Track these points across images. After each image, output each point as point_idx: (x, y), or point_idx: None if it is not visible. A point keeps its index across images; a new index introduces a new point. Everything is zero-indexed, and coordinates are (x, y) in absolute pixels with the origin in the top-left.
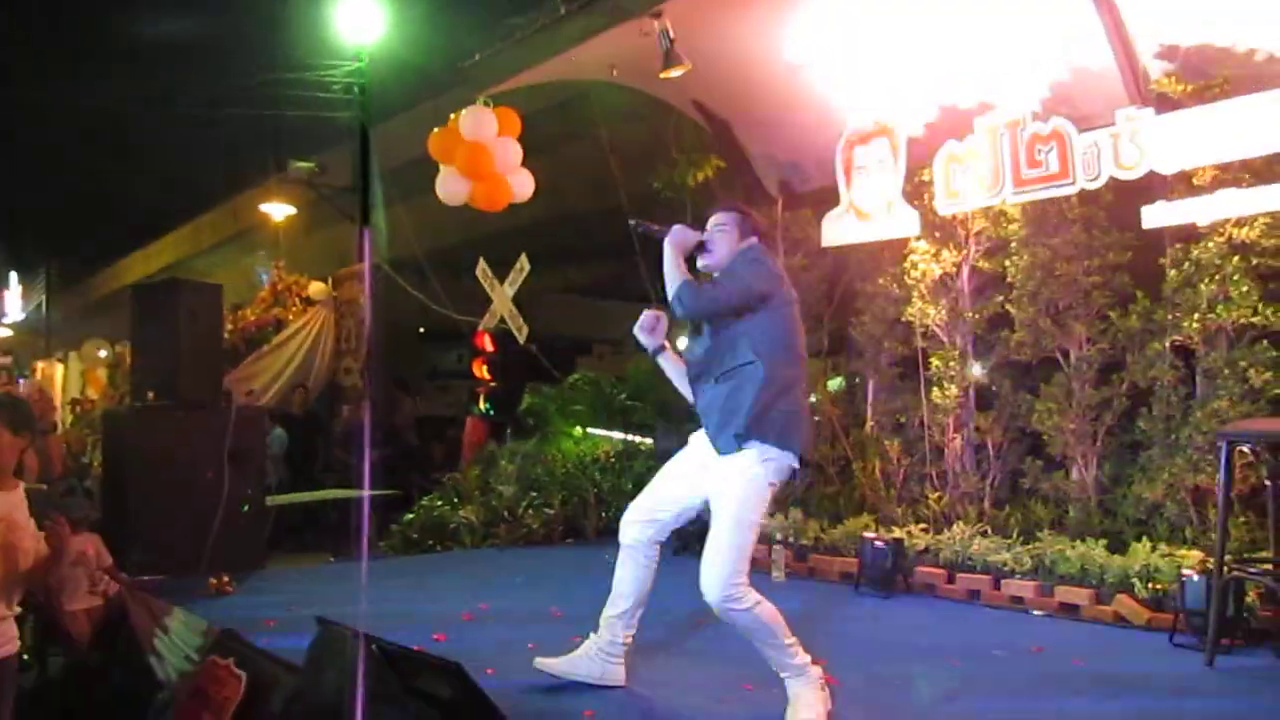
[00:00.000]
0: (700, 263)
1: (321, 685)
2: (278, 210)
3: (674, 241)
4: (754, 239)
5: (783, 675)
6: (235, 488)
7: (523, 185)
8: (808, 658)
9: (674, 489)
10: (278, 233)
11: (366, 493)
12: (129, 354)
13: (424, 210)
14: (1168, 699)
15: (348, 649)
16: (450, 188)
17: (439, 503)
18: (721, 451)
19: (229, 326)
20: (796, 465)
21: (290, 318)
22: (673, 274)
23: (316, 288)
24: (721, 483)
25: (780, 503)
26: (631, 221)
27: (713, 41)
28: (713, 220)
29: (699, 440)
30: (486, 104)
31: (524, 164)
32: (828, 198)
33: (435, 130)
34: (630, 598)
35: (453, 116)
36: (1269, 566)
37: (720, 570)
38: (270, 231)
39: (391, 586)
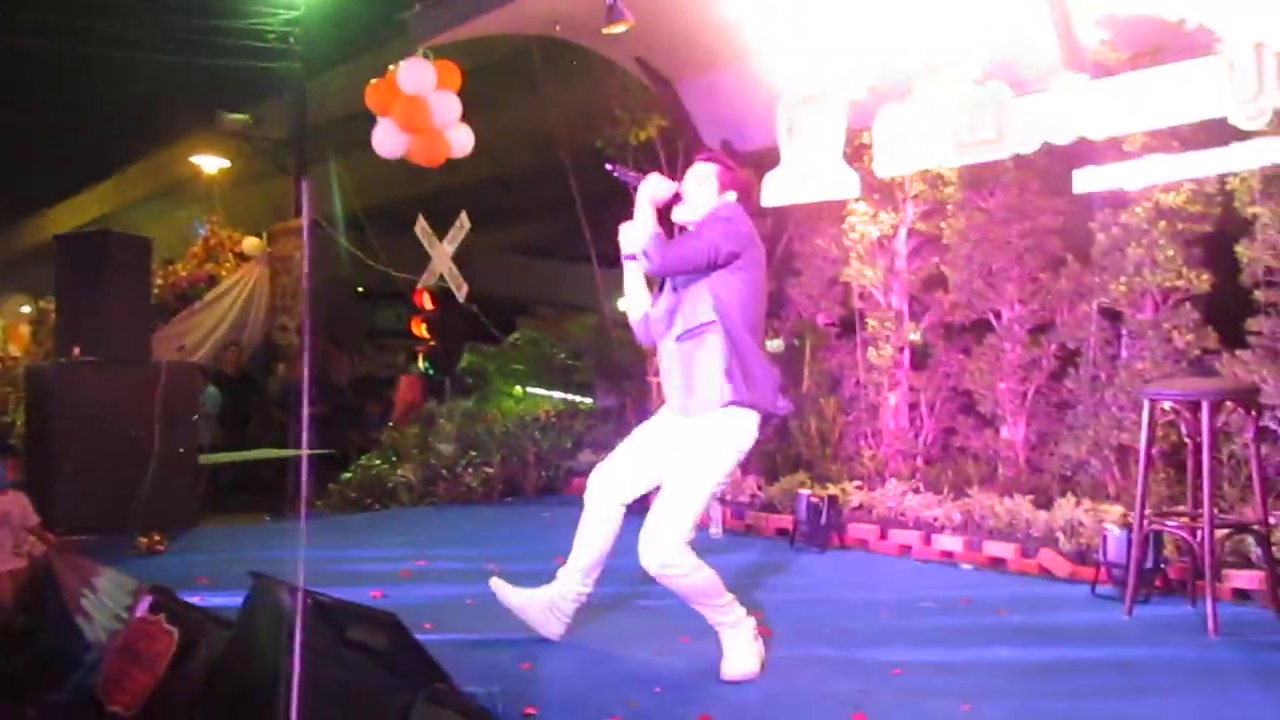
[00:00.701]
0: (676, 215)
1: (255, 639)
2: (210, 163)
3: (648, 191)
4: (731, 195)
5: (717, 627)
6: (166, 445)
7: (462, 140)
8: (742, 611)
9: (648, 458)
10: (211, 186)
11: (305, 452)
12: (54, 309)
13: (362, 167)
14: (1087, 647)
15: (282, 602)
16: (387, 141)
17: (377, 461)
18: (686, 412)
19: (159, 281)
20: (755, 431)
21: (224, 274)
22: (643, 225)
23: (251, 243)
24: (686, 443)
25: None
26: (608, 165)
27: None
28: (691, 170)
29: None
30: (426, 56)
31: (464, 120)
32: (769, 158)
33: (373, 82)
34: (590, 556)
35: (391, 68)
36: (1185, 520)
37: (667, 532)
38: (203, 185)
39: (329, 544)
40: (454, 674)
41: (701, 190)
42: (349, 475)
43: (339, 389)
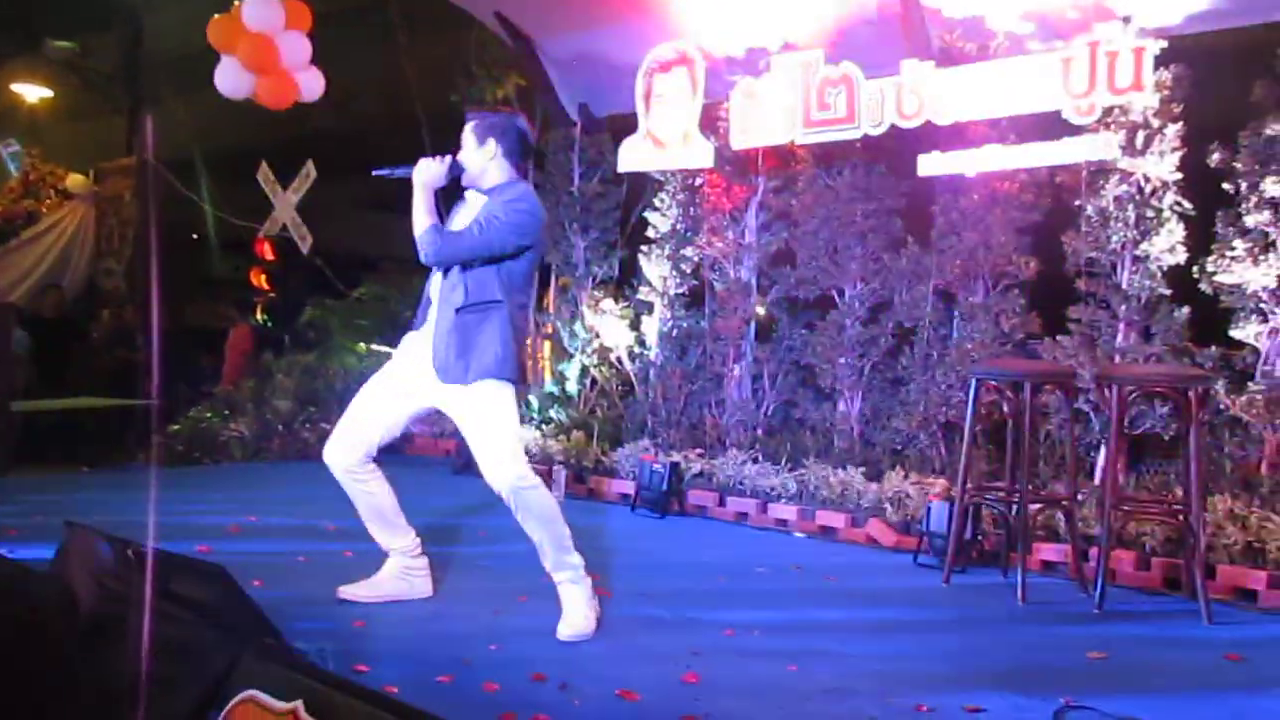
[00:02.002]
0: (466, 182)
1: (67, 590)
2: (32, 92)
3: (420, 178)
4: (519, 179)
5: (557, 579)
6: None
7: (311, 84)
8: (582, 562)
9: (382, 411)
10: (32, 117)
11: (154, 400)
12: None
13: (203, 107)
14: (906, 610)
15: (98, 552)
16: (231, 80)
17: (208, 414)
18: (456, 381)
19: None
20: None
21: (44, 211)
22: (421, 216)
23: (76, 181)
24: (469, 408)
25: (562, 426)
26: (375, 172)
27: None
28: (466, 130)
29: (410, 355)
30: None
31: (314, 65)
32: (627, 124)
33: (216, 16)
34: (383, 515)
35: (236, 3)
36: (1003, 495)
37: (506, 462)
38: (23, 115)
39: (150, 498)
40: (285, 631)
41: (471, 154)
42: (176, 428)
43: (164, 339)
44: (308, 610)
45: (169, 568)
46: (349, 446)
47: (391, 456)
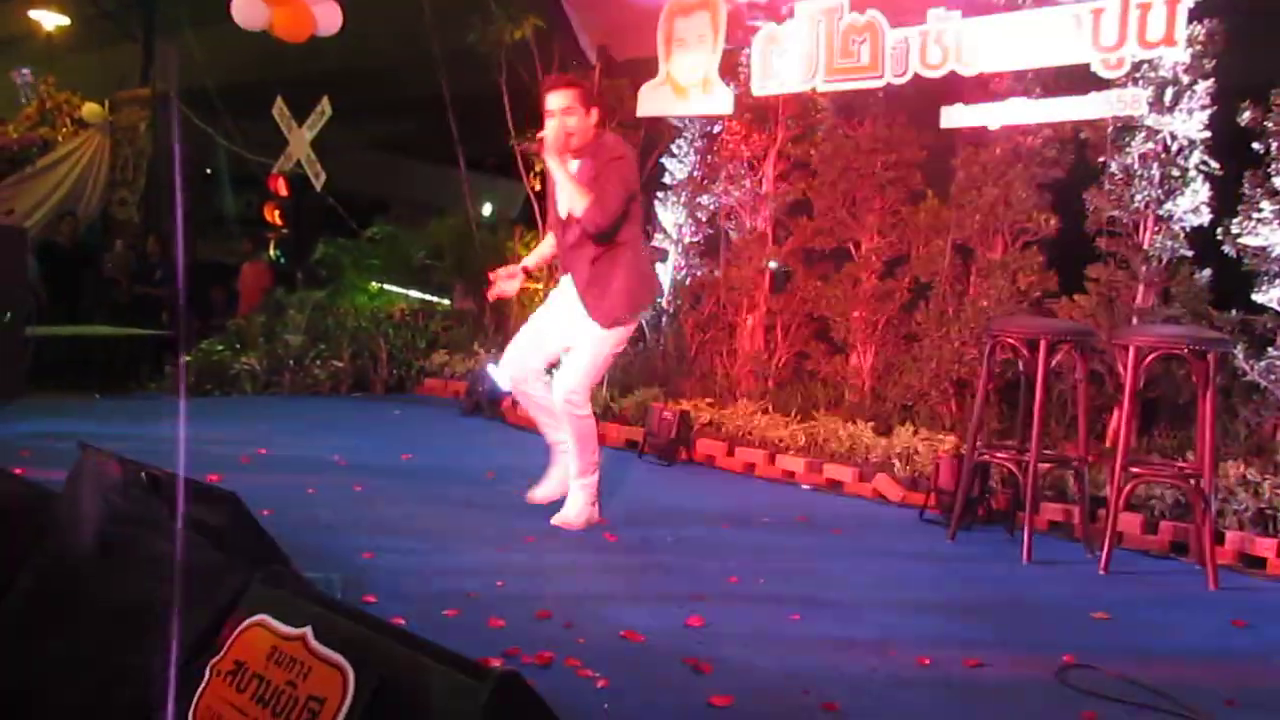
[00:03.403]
0: (549, 150)
1: (81, 511)
2: (48, 19)
3: (555, 154)
4: (609, 135)
5: (571, 485)
6: None
7: (328, 17)
8: (595, 482)
9: (545, 342)
10: (48, 45)
11: (178, 331)
12: None
13: (220, 40)
14: (910, 564)
15: (111, 474)
16: (248, 11)
17: (219, 347)
18: (597, 322)
19: None
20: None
21: (60, 140)
22: (576, 192)
23: (91, 110)
24: (591, 333)
25: None
26: (519, 145)
27: None
28: (558, 101)
29: (564, 295)
30: None
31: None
32: (647, 68)
33: None
34: (551, 414)
35: None
36: (1013, 453)
37: (575, 381)
38: (39, 43)
39: (164, 426)
40: (294, 560)
41: (580, 121)
42: (189, 359)
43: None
44: (318, 541)
45: (181, 490)
46: (515, 367)
47: (402, 397)
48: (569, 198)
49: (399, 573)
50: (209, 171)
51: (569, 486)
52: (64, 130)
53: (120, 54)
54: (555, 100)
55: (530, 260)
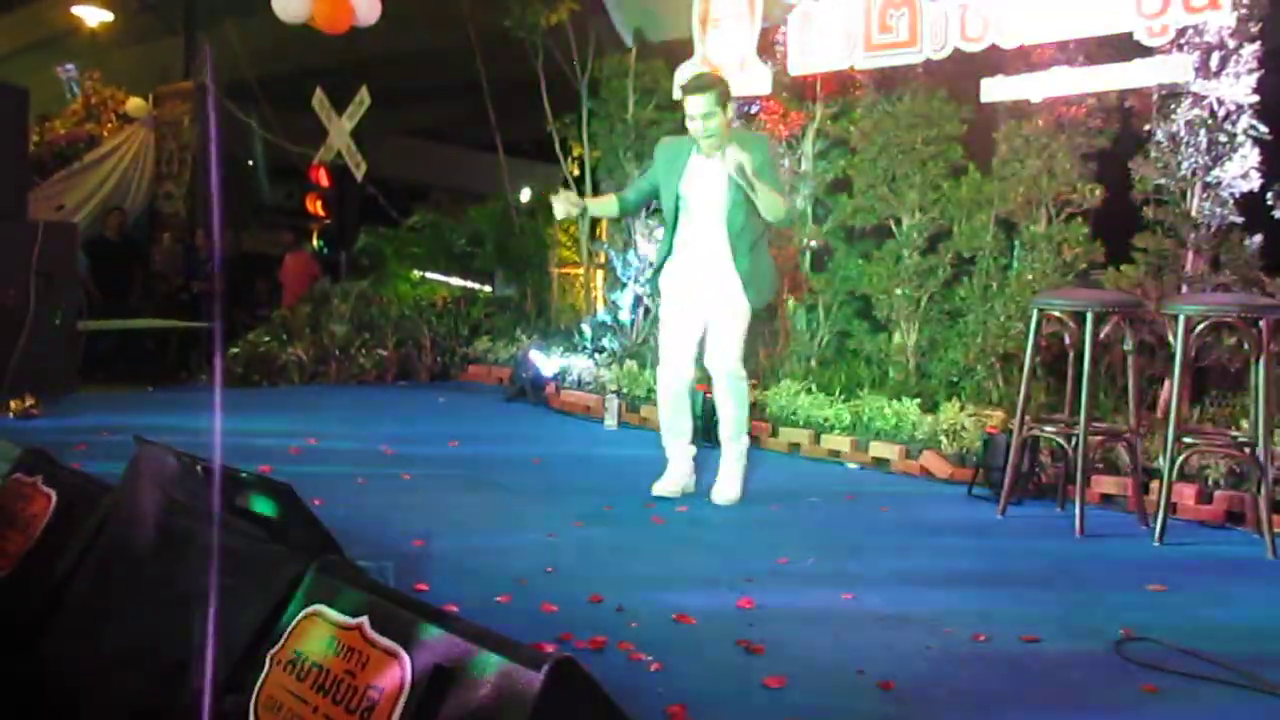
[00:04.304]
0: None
1: (138, 503)
2: (92, 15)
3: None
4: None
5: (725, 450)
6: (43, 307)
7: (369, 8)
8: (748, 446)
9: (694, 335)
10: (92, 40)
11: (215, 322)
12: None
13: (260, 33)
14: (961, 540)
15: (166, 467)
16: (288, 4)
17: (266, 338)
18: (751, 303)
19: (35, 138)
20: None
21: (105, 135)
22: (772, 196)
23: (135, 104)
24: (740, 311)
25: (615, 355)
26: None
27: None
28: (698, 105)
29: (684, 283)
30: None
31: None
32: (682, 49)
33: None
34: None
35: None
36: (1063, 427)
37: (734, 353)
38: (84, 39)
39: (213, 418)
40: (346, 548)
41: (722, 120)
42: (235, 350)
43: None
44: (368, 530)
45: (237, 485)
46: (682, 367)
47: (447, 384)
48: (768, 205)
49: (450, 560)
50: (250, 163)
51: (723, 460)
52: (109, 125)
53: (162, 48)
54: (695, 105)
55: (592, 206)
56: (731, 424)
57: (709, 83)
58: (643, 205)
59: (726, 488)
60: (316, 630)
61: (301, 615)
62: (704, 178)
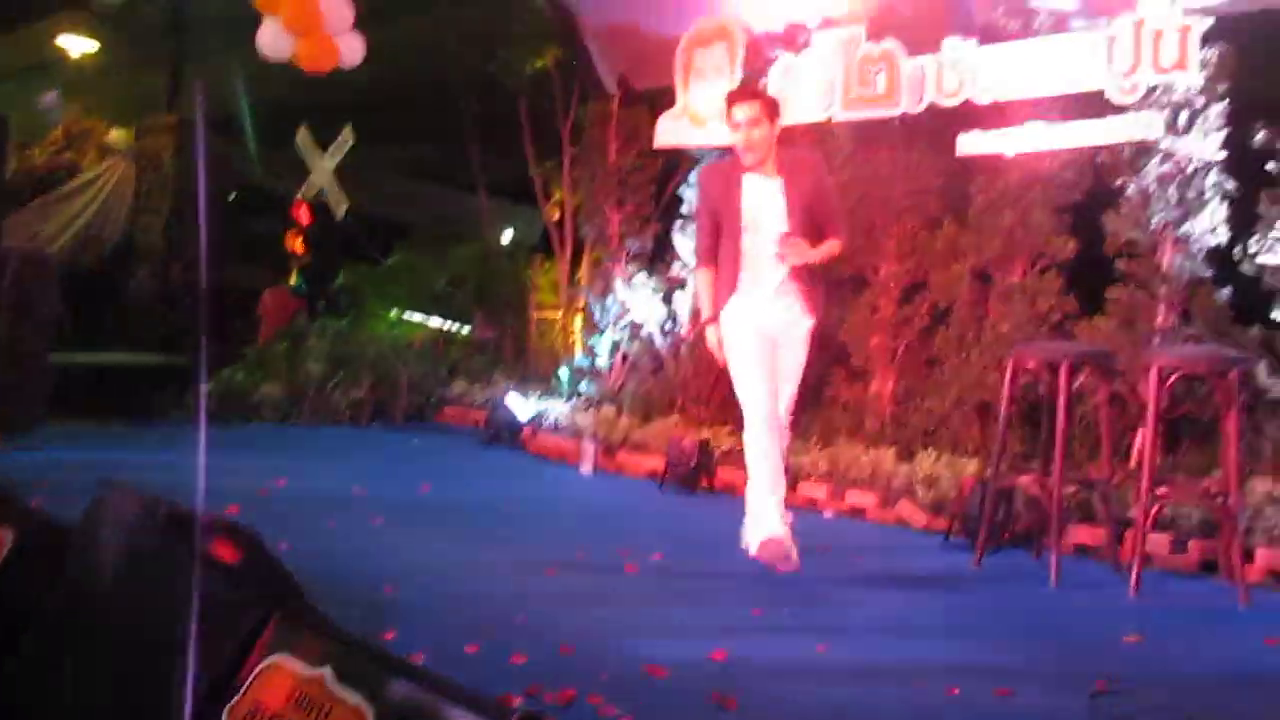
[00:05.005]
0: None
1: (98, 546)
2: (75, 45)
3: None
4: (796, 149)
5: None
6: (14, 338)
7: (352, 49)
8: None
9: (769, 371)
10: (76, 70)
11: (200, 357)
12: None
13: (244, 69)
14: (937, 592)
15: (130, 509)
16: (273, 42)
17: (240, 375)
18: (813, 318)
19: (13, 166)
20: None
21: (85, 165)
22: (825, 255)
23: (117, 136)
24: (796, 340)
25: (592, 400)
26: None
27: None
28: (744, 113)
29: (754, 317)
30: None
31: (356, 29)
32: (664, 98)
33: None
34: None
35: None
36: (1037, 476)
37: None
38: (67, 68)
39: (185, 455)
40: (311, 595)
41: (767, 133)
42: (209, 387)
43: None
44: (337, 575)
45: (200, 529)
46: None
47: (422, 425)
48: (825, 256)
49: (419, 607)
50: (232, 197)
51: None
52: (89, 156)
53: (147, 80)
54: (741, 112)
55: (714, 310)
56: (777, 476)
57: (757, 91)
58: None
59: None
60: (277, 681)
61: (262, 665)
62: (761, 195)
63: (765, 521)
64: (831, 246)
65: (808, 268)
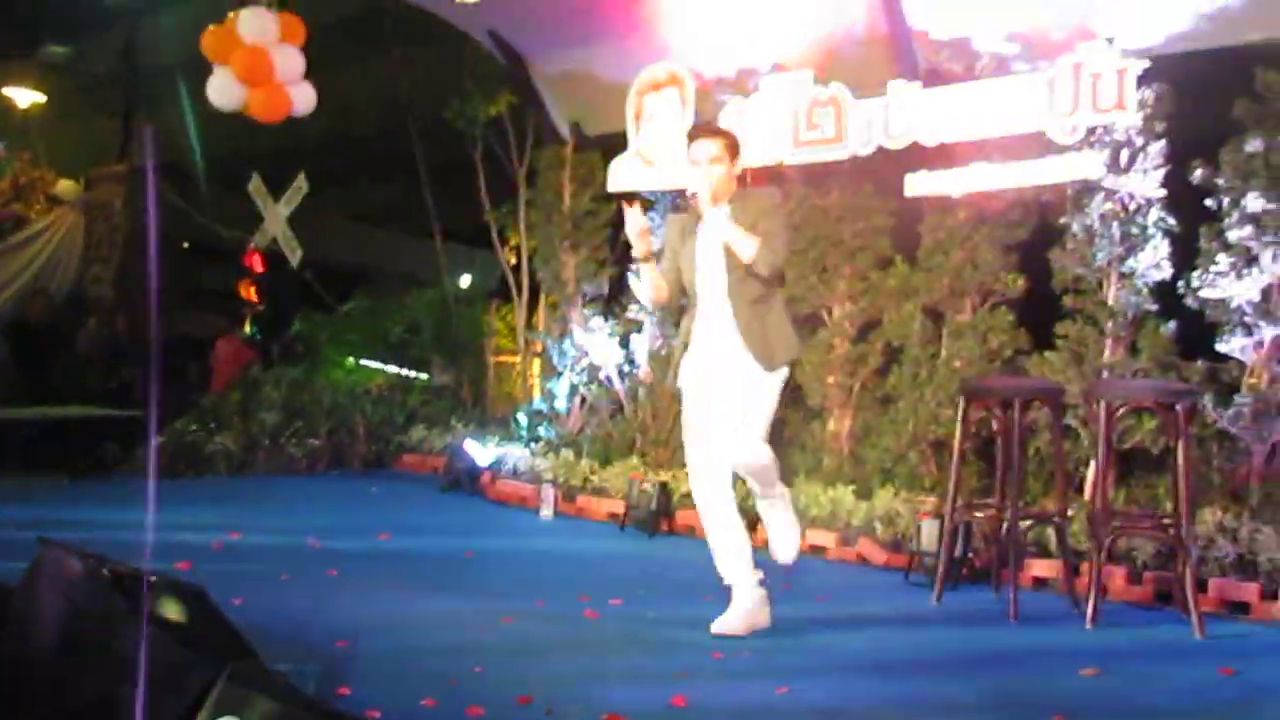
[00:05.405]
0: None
1: (40, 608)
2: (24, 96)
3: (713, 200)
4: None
5: (773, 507)
6: None
7: (304, 98)
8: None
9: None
10: (24, 120)
11: (147, 412)
12: None
13: (195, 116)
14: (897, 630)
15: (72, 570)
16: (224, 92)
17: (193, 427)
18: (762, 365)
19: None
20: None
21: (33, 216)
22: (743, 238)
23: (66, 186)
24: (755, 381)
25: (551, 444)
26: (625, 203)
27: None
28: (704, 150)
29: (706, 362)
30: (270, 6)
31: (307, 77)
32: (617, 143)
33: (211, 27)
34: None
35: (231, 15)
36: (993, 512)
37: (760, 444)
38: (15, 119)
39: (134, 511)
40: (265, 652)
41: (723, 171)
42: (161, 440)
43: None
44: (290, 630)
45: (145, 588)
46: (712, 472)
47: (380, 473)
48: (738, 243)
49: (375, 660)
50: (185, 246)
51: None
52: (38, 207)
53: (97, 129)
54: (701, 150)
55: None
56: (786, 504)
57: (718, 130)
58: (677, 290)
59: (781, 546)
60: None
61: None
62: (713, 234)
63: (735, 597)
64: (754, 242)
65: (759, 319)
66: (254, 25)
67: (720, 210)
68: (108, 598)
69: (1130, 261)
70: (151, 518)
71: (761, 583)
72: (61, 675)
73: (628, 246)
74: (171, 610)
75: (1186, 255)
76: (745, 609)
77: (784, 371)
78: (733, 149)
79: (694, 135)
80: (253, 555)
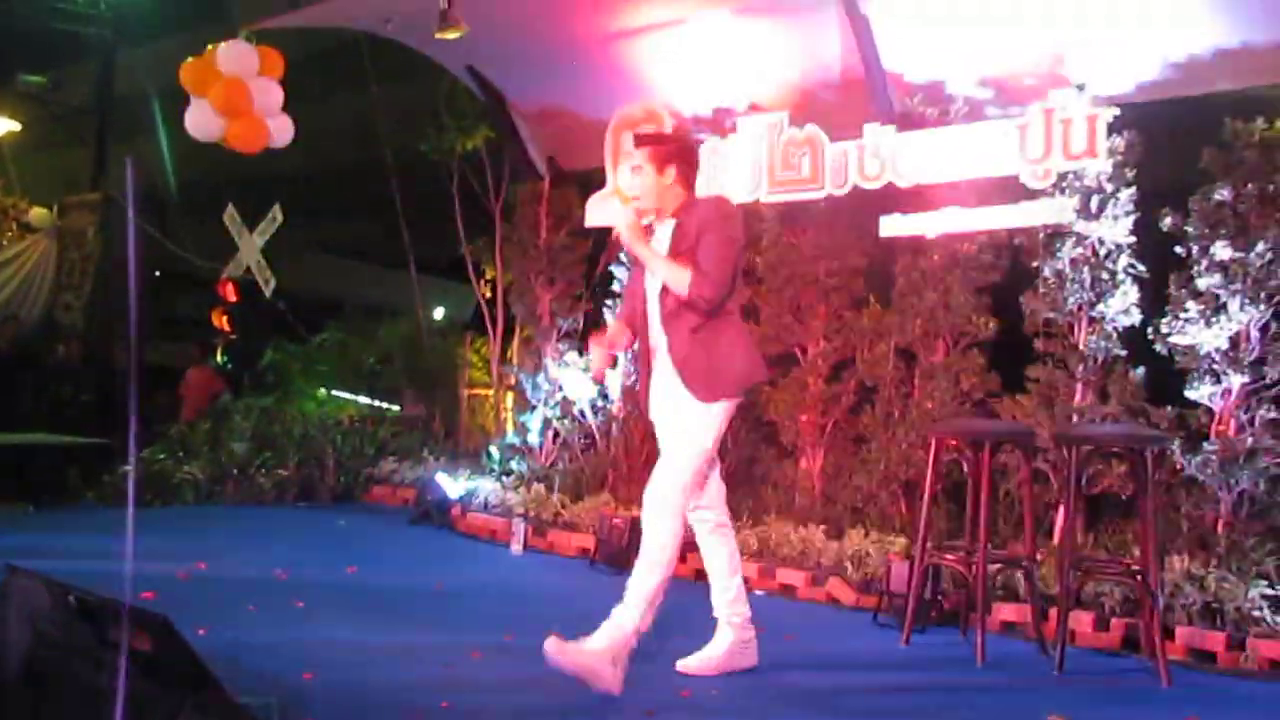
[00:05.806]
0: (639, 205)
1: (5, 637)
2: None
3: (634, 233)
4: (709, 196)
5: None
6: None
7: (282, 130)
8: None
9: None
10: None
11: (123, 438)
12: None
13: (170, 146)
14: (865, 672)
15: (35, 598)
16: (202, 122)
17: (161, 455)
18: (697, 397)
19: None
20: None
21: (4, 244)
22: (669, 269)
23: (38, 214)
24: (690, 414)
25: (523, 478)
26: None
27: (494, 7)
28: (634, 158)
29: (653, 399)
30: (249, 39)
31: (284, 110)
32: (595, 179)
33: (190, 59)
34: (717, 575)
35: (210, 47)
36: (962, 554)
37: (663, 476)
38: None
39: (100, 539)
40: (230, 682)
41: (651, 183)
42: (128, 468)
43: (122, 377)
44: (256, 661)
45: (109, 617)
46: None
47: (350, 505)
48: (670, 281)
49: (341, 694)
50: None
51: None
52: (9, 234)
53: (70, 158)
54: (629, 161)
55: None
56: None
57: (653, 137)
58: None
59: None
60: None
61: None
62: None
63: (715, 635)
64: (684, 275)
65: (700, 349)
66: (233, 58)
67: (666, 226)
68: (73, 626)
69: (1100, 306)
70: (115, 546)
71: (748, 623)
72: (26, 706)
73: (604, 281)
74: (135, 638)
75: (1156, 301)
76: (722, 649)
77: (724, 405)
78: (659, 157)
79: (631, 143)
80: (219, 585)
